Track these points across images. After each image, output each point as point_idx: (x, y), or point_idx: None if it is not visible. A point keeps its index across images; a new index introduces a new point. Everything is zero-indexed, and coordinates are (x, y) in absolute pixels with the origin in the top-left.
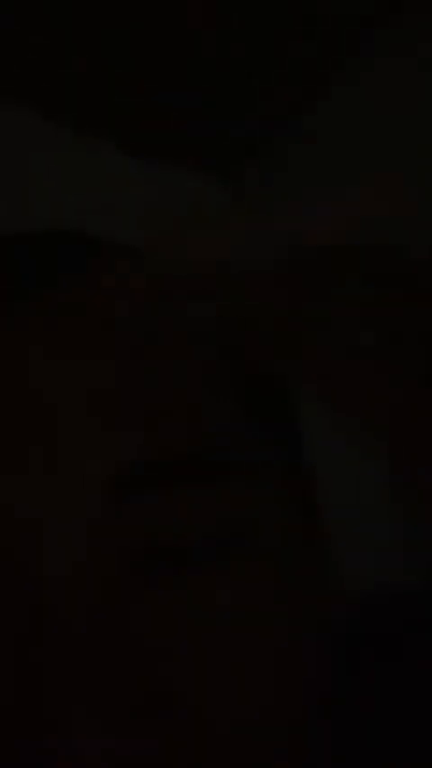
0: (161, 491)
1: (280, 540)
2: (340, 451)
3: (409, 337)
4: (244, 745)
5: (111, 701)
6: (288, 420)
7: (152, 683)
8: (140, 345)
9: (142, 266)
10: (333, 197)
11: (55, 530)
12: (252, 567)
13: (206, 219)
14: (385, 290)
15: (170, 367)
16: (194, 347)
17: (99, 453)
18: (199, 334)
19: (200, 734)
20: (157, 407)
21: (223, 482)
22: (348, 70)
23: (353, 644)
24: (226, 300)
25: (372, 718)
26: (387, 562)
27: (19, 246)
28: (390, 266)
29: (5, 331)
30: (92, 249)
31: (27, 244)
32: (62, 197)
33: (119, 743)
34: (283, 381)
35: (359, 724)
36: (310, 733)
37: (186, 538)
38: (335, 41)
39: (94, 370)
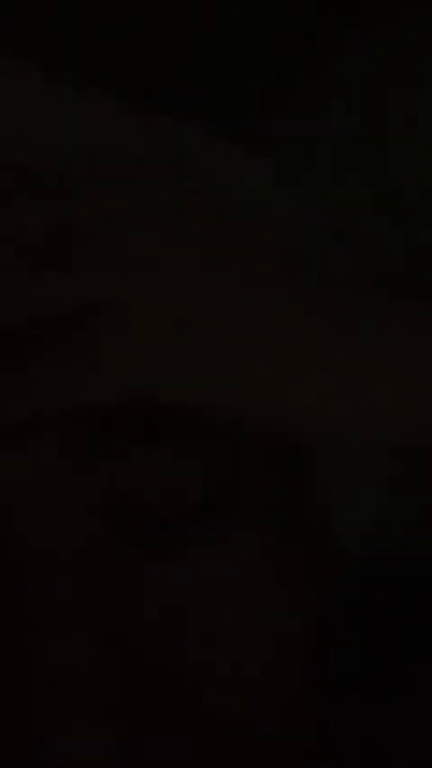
0: (140, 448)
1: (271, 501)
2: None
3: None
4: (246, 715)
5: (101, 675)
6: None
7: (147, 655)
8: None
9: None
10: None
11: (33, 499)
12: (244, 530)
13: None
14: None
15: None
16: None
17: (75, 412)
18: None
19: (199, 707)
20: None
21: (205, 440)
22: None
23: (350, 607)
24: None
25: (368, 677)
26: (381, 525)
27: None
28: None
29: None
30: None
31: None
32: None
33: (114, 719)
34: None
35: (356, 684)
36: (313, 697)
37: (173, 497)
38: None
39: None
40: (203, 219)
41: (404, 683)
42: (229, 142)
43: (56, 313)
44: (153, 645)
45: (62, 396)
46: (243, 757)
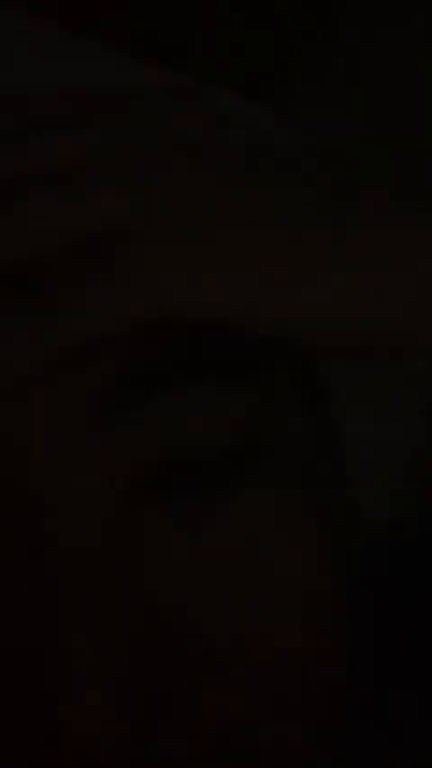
0: (167, 392)
1: (297, 456)
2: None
3: None
4: (260, 677)
5: (113, 630)
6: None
7: (161, 612)
8: None
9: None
10: None
11: (53, 452)
12: (262, 484)
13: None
14: None
15: None
16: None
17: (99, 359)
18: None
19: (210, 666)
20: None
21: (234, 386)
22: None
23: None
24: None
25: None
26: (401, 501)
27: None
28: None
29: None
30: None
31: None
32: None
33: (119, 677)
34: None
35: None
36: (339, 655)
37: (198, 447)
38: None
39: None
40: (209, 145)
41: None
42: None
43: (74, 239)
44: (170, 601)
45: (87, 319)
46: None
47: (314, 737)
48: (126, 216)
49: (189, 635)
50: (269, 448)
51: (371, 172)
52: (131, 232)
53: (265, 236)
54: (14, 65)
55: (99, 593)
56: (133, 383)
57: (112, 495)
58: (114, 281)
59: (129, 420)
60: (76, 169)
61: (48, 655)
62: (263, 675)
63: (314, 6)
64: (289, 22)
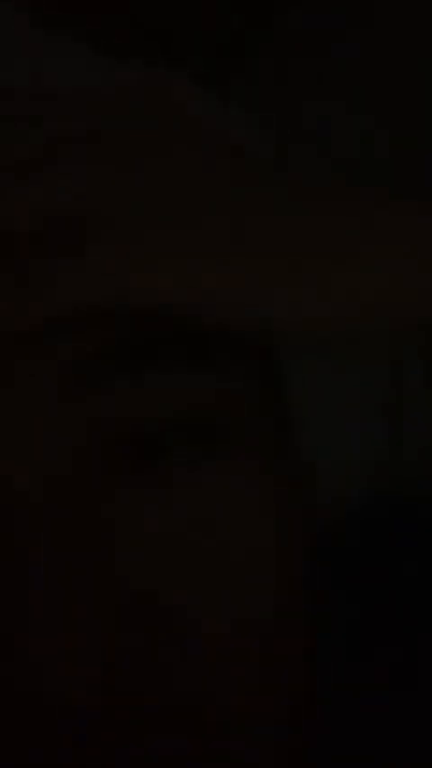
0: (128, 376)
1: (255, 435)
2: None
3: None
4: (233, 650)
5: (86, 605)
6: None
7: (133, 583)
8: None
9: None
10: None
11: (13, 431)
12: (228, 461)
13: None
14: None
15: None
16: None
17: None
18: None
19: (185, 637)
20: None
21: (194, 369)
22: None
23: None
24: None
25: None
26: (367, 467)
27: None
28: None
29: None
30: None
31: None
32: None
33: (98, 645)
34: None
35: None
36: (306, 631)
37: (158, 425)
38: None
39: None
40: (171, 134)
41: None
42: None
43: (42, 222)
44: (137, 573)
45: (48, 299)
46: (226, 690)
47: (281, 711)
48: (90, 202)
49: (157, 604)
50: (233, 427)
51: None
52: (94, 218)
53: (226, 227)
54: None
55: (64, 558)
56: (103, 361)
57: (79, 462)
58: (77, 266)
59: (100, 392)
60: (46, 152)
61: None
62: (229, 644)
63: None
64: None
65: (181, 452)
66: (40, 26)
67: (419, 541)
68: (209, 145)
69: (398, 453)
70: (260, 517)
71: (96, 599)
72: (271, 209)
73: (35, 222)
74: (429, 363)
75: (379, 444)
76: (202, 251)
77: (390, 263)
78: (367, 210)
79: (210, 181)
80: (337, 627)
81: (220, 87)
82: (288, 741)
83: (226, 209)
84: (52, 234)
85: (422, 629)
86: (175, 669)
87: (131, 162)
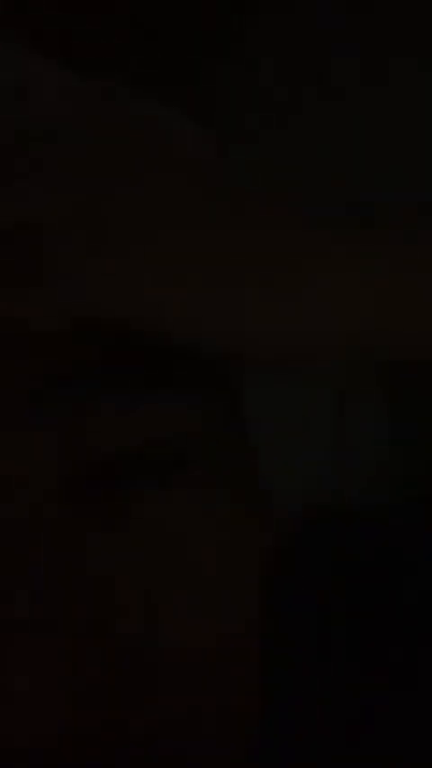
0: (87, 392)
1: (213, 457)
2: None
3: None
4: (190, 674)
5: (50, 634)
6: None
7: (96, 611)
8: None
9: None
10: None
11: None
12: (189, 484)
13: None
14: None
15: None
16: None
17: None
18: None
19: (146, 659)
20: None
21: (151, 391)
22: None
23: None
24: None
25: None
26: (316, 482)
27: None
28: None
29: None
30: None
31: None
32: None
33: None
34: None
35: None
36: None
37: (121, 454)
38: None
39: None
40: (130, 140)
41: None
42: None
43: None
44: (100, 603)
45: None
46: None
47: (235, 735)
48: (51, 208)
49: (126, 623)
50: (199, 450)
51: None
52: (54, 225)
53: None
54: None
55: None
56: (64, 380)
57: (42, 484)
58: (39, 281)
59: (59, 413)
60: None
61: None
62: (189, 671)
63: None
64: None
65: (144, 480)
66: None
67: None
68: (165, 155)
69: (341, 466)
70: (219, 535)
71: (69, 637)
72: (229, 224)
73: None
74: (375, 382)
75: (323, 458)
76: (159, 265)
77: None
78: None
79: (168, 194)
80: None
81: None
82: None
83: (185, 222)
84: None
85: (370, 636)
86: (140, 699)
87: (92, 170)
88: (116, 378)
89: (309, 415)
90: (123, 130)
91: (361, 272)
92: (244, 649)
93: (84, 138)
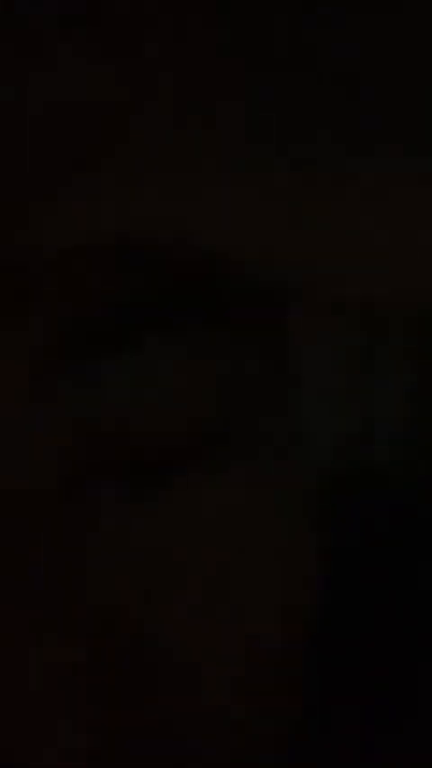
0: (124, 353)
1: (262, 429)
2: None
3: None
4: (230, 690)
5: (57, 639)
6: None
7: (118, 616)
8: None
9: None
10: None
11: None
12: (234, 464)
13: None
14: None
15: None
16: None
17: (42, 303)
18: None
19: (179, 677)
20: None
21: (204, 348)
22: None
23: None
24: None
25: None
26: (341, 440)
27: None
28: None
29: None
30: None
31: None
32: None
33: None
34: None
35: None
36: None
37: (148, 432)
38: None
39: None
40: None
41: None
42: None
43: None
44: (124, 606)
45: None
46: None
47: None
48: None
49: (142, 623)
50: (240, 421)
51: None
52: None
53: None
54: None
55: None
56: (84, 339)
57: (54, 471)
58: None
59: (78, 385)
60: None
61: None
62: (226, 683)
63: None
64: None
65: (179, 466)
66: None
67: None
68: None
69: (368, 429)
70: (263, 529)
71: (75, 633)
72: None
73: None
74: (408, 336)
75: (348, 419)
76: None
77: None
78: None
79: None
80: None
81: None
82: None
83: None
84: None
85: (393, 604)
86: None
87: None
88: (146, 330)
89: (334, 369)
90: None
91: None
92: (291, 657)
93: None
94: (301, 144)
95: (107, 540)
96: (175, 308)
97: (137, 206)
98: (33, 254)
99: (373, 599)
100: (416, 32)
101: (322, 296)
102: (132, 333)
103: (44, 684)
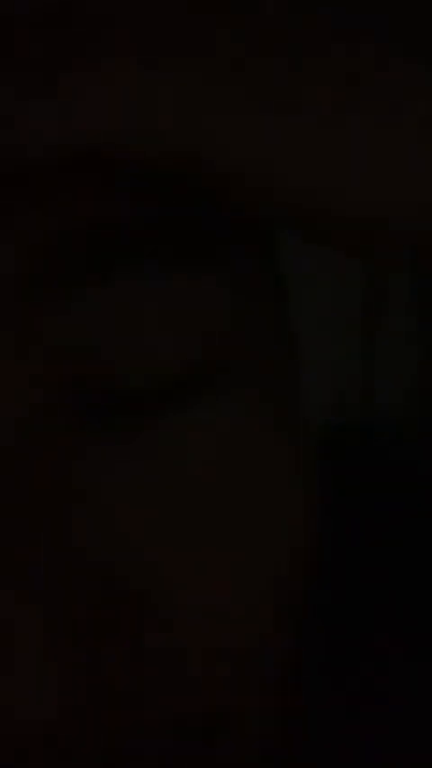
0: (99, 288)
1: (258, 352)
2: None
3: None
4: (222, 646)
5: (41, 588)
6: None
7: (102, 561)
8: None
9: None
10: None
11: None
12: (228, 400)
13: None
14: None
15: None
16: None
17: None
18: None
19: (167, 628)
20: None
21: (192, 272)
22: None
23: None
24: None
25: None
26: (340, 396)
27: None
28: None
29: None
30: None
31: None
32: None
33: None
34: None
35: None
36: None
37: (142, 362)
38: None
39: None
40: None
41: None
42: None
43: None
44: (109, 549)
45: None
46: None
47: (270, 711)
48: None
49: (132, 587)
50: (238, 355)
51: None
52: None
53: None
54: None
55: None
56: (67, 263)
57: (27, 409)
58: (78, 82)
59: (59, 314)
60: None
61: None
62: (219, 637)
63: None
64: None
65: (168, 400)
66: None
67: (384, 476)
68: None
69: (369, 378)
70: (262, 464)
71: (60, 587)
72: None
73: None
74: (413, 277)
75: (348, 368)
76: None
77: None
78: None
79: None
80: None
81: None
82: (277, 743)
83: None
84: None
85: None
86: (155, 672)
87: None
88: (138, 252)
89: (332, 312)
90: None
91: None
92: (288, 612)
93: None
94: (299, 43)
95: (90, 481)
96: (164, 235)
97: (123, 103)
98: (17, 153)
99: (369, 563)
100: None
101: (321, 207)
102: (119, 261)
103: (31, 640)
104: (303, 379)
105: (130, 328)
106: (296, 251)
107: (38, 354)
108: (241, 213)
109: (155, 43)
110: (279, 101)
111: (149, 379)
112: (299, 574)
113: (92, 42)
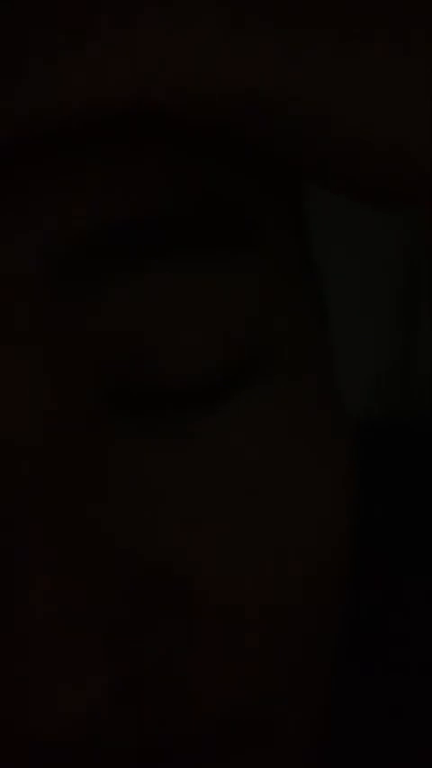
0: (130, 282)
1: (298, 344)
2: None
3: None
4: (265, 640)
5: (76, 583)
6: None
7: (141, 554)
8: None
9: None
10: None
11: None
12: (267, 397)
13: None
14: None
15: None
16: None
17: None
18: None
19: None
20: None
21: (228, 259)
22: None
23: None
24: None
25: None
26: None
27: None
28: None
29: None
30: None
31: None
32: None
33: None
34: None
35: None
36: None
37: (176, 362)
38: None
39: None
40: None
41: None
42: None
43: None
44: (144, 542)
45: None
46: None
47: (308, 715)
48: None
49: (172, 577)
50: (281, 341)
51: None
52: None
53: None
54: None
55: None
56: (96, 258)
57: (66, 405)
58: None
59: (90, 312)
60: None
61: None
62: (259, 631)
63: None
64: None
65: (206, 398)
66: None
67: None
68: None
69: (411, 365)
70: (302, 459)
71: (98, 578)
72: None
73: None
74: None
75: (390, 355)
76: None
77: None
78: None
79: None
80: None
81: None
82: (311, 747)
83: None
84: None
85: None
86: (196, 667)
87: None
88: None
89: (374, 301)
90: None
91: None
92: (329, 604)
93: None
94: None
95: (127, 474)
96: (201, 225)
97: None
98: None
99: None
100: None
101: (349, 137)
102: (156, 250)
103: (62, 623)
104: (341, 366)
105: (166, 322)
106: (334, 237)
107: (65, 350)
108: (277, 171)
109: None
110: (342, 36)
111: (189, 372)
112: (340, 564)
113: None
